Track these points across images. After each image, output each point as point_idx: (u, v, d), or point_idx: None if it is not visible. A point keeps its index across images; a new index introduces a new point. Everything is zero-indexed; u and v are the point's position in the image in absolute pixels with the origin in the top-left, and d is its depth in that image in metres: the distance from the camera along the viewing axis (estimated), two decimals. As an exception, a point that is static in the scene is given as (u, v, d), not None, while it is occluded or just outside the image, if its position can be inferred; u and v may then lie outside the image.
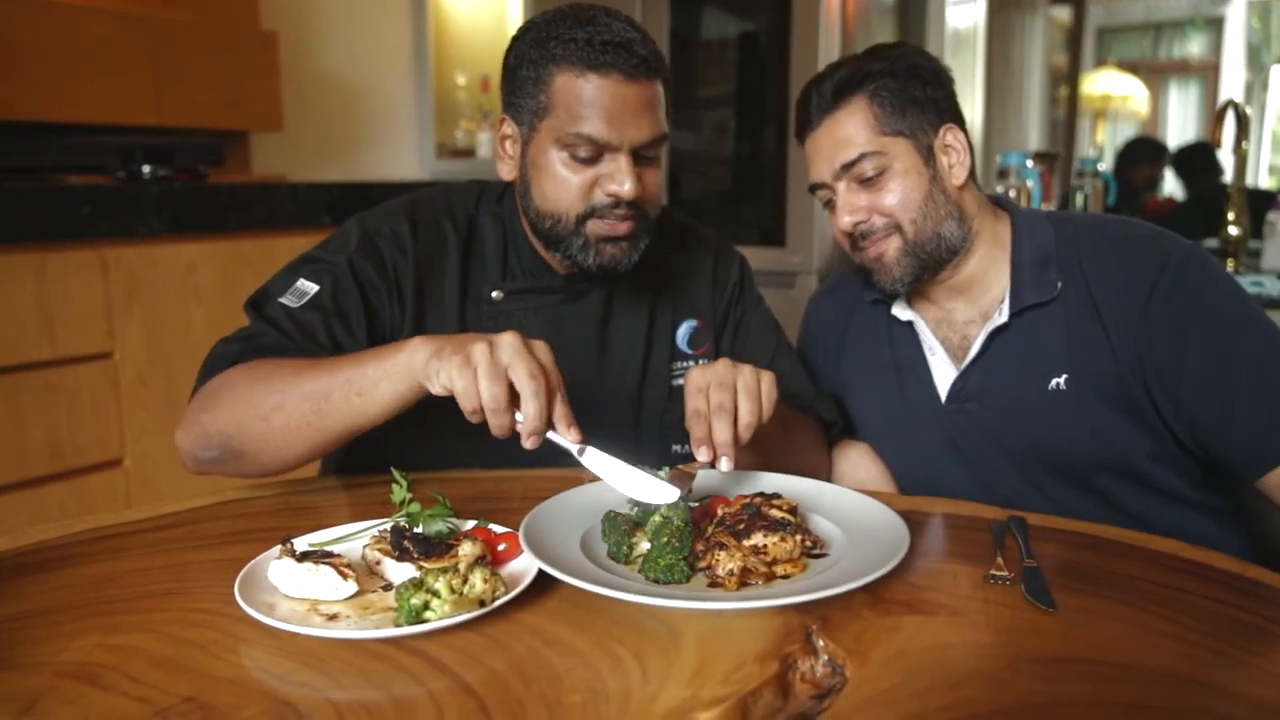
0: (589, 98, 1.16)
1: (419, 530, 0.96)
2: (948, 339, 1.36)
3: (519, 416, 0.94)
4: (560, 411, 0.95)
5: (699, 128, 3.66)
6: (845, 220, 1.28)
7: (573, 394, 0.98)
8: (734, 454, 1.00)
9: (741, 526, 0.94)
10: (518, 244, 1.34)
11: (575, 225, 1.21)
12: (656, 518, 0.94)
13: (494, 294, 1.31)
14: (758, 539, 0.92)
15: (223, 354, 1.16)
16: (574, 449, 0.96)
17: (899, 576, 0.91)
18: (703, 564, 0.92)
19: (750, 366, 1.04)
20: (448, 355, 0.95)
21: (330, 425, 1.05)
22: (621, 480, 0.98)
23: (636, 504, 1.00)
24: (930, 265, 1.30)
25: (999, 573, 0.91)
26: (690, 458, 1.04)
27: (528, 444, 0.95)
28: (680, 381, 1.41)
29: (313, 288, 1.23)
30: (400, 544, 0.91)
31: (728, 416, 1.00)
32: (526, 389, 0.92)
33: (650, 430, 1.38)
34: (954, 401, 1.33)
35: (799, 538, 0.93)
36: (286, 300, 1.22)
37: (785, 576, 0.90)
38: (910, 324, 1.40)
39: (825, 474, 1.40)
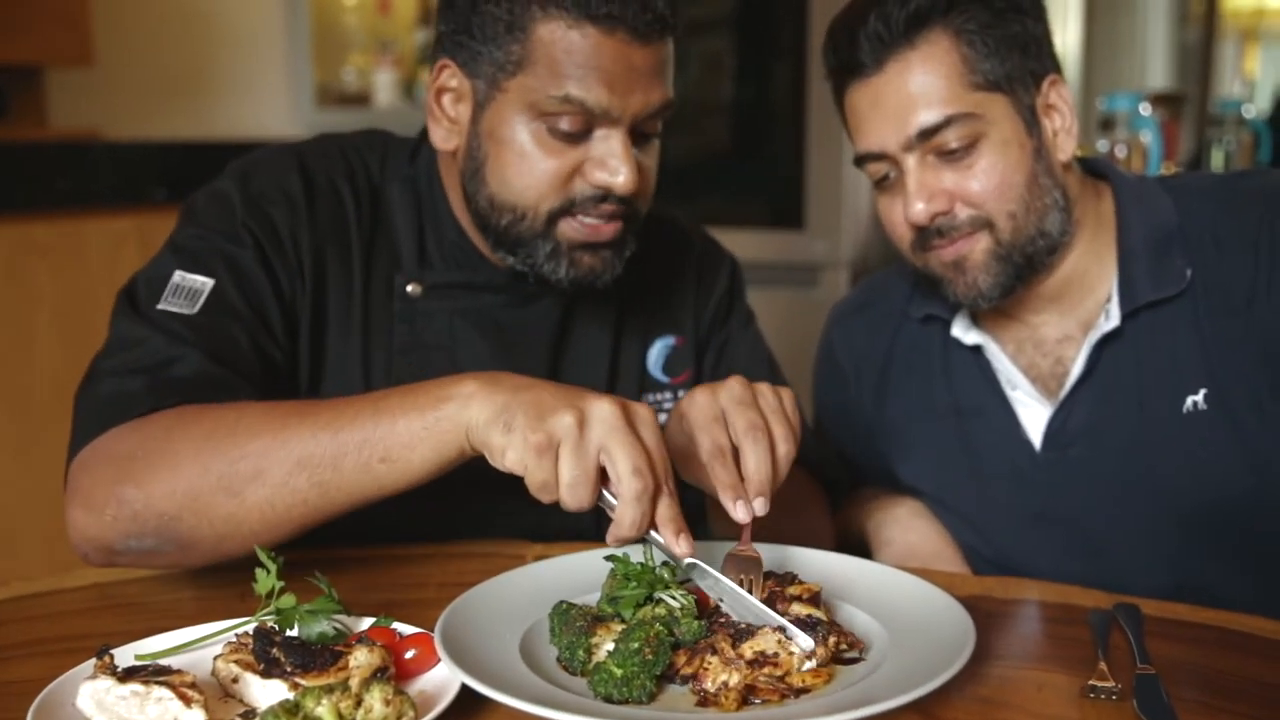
0: (583, 55, 1.20)
1: (293, 633, 0.96)
2: (1034, 366, 1.39)
3: (608, 497, 0.98)
4: (667, 512, 0.98)
5: (685, 64, 3.69)
6: (919, 210, 1.28)
7: None
8: (771, 492, 1.03)
9: (746, 625, 0.96)
10: (438, 221, 1.37)
11: (545, 226, 1.26)
12: (644, 612, 0.96)
13: (409, 287, 1.34)
14: (764, 643, 0.93)
15: (120, 392, 1.15)
16: (680, 562, 1.00)
17: (962, 689, 0.92)
18: (687, 670, 0.93)
19: (766, 384, 1.10)
20: (520, 427, 0.98)
21: (337, 501, 1.08)
22: (736, 606, 1.00)
23: (612, 597, 1.02)
24: (1026, 273, 1.32)
25: (1102, 683, 0.92)
26: None
27: (613, 545, 1.00)
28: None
29: (204, 282, 1.24)
30: (267, 653, 0.91)
31: (764, 440, 1.04)
32: (627, 490, 0.96)
33: None
34: (1052, 448, 1.36)
35: (832, 641, 0.95)
36: (172, 305, 1.22)
37: (805, 690, 0.91)
38: (978, 349, 1.42)
39: (828, 547, 1.41)
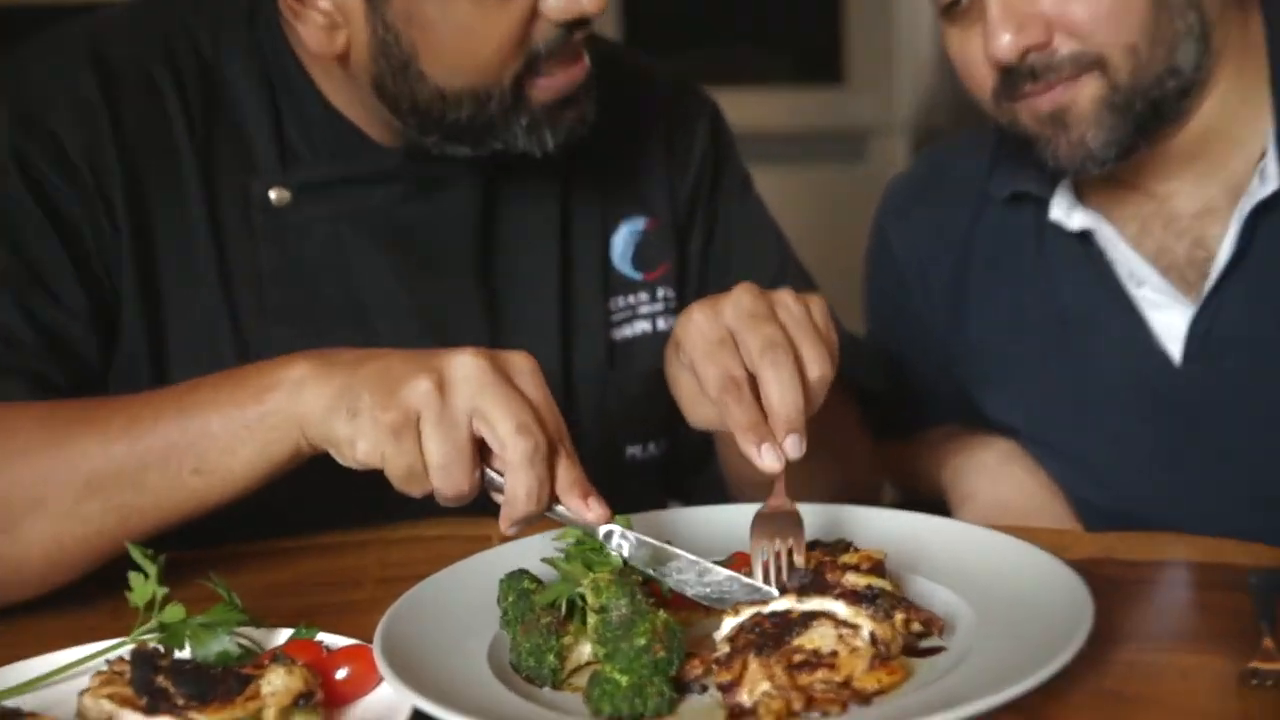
0: None
1: (184, 655, 0.96)
2: (1166, 251, 1.36)
3: (492, 475, 0.97)
4: (569, 475, 0.99)
5: None
6: (1005, 43, 1.24)
7: None
8: (804, 427, 1.00)
9: (795, 616, 0.94)
10: (300, 100, 1.35)
11: (513, 98, 1.26)
12: (624, 601, 0.92)
13: (271, 194, 1.32)
14: (818, 639, 0.91)
15: None
16: (595, 532, 0.99)
17: (1080, 681, 0.90)
18: (716, 679, 0.91)
19: (788, 291, 1.07)
20: (368, 408, 0.98)
21: (144, 527, 1.08)
22: (680, 577, 1.00)
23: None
24: (1151, 125, 1.28)
25: (1268, 666, 0.90)
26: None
27: (509, 531, 0.99)
28: (628, 332, 1.46)
29: None
30: (150, 683, 0.90)
31: (788, 361, 1.01)
32: (514, 454, 0.95)
33: (586, 422, 1.40)
34: (1197, 361, 1.34)
35: (899, 618, 0.94)
36: None
37: (877, 693, 0.91)
38: (1087, 236, 1.37)
39: (863, 480, 1.45)
